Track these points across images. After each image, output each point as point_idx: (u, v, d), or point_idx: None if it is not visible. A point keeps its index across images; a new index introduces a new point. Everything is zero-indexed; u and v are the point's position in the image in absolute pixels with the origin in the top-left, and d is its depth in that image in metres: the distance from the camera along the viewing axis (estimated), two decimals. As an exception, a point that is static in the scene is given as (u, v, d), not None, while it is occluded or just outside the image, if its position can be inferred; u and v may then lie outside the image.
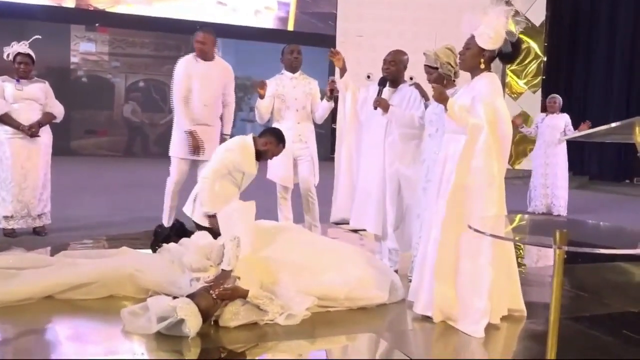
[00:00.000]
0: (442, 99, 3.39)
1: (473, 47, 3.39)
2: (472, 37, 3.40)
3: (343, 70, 4.57)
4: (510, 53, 3.39)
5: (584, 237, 2.43)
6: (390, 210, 4.40)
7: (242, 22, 13.71)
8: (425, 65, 4.12)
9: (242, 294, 3.27)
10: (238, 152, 4.53)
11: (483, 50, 3.37)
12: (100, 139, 12.81)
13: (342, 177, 4.66)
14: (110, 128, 12.79)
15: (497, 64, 3.60)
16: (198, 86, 5.15)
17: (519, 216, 3.09)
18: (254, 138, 4.63)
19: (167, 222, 5.20)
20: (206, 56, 5.20)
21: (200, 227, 4.44)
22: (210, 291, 3.18)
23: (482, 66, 3.40)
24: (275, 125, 5.13)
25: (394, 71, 4.42)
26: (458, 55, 3.61)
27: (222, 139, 5.31)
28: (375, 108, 4.31)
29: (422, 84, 4.45)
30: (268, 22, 13.93)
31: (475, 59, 3.39)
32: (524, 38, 13.69)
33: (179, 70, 5.18)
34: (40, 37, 5.48)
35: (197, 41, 5.20)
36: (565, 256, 2.12)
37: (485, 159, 3.27)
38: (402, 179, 4.33)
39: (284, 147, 4.67)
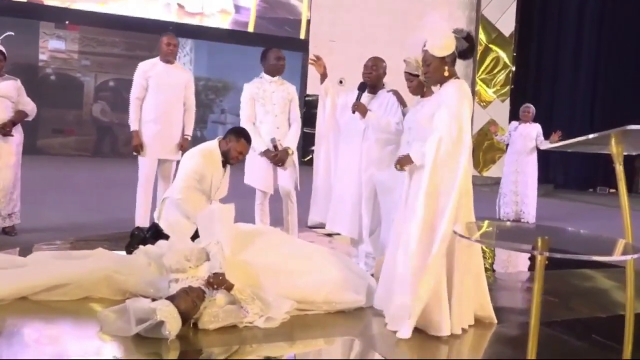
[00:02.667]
0: (406, 163, 3.50)
1: (432, 61, 3.45)
2: (426, 52, 3.46)
3: (324, 76, 4.59)
4: (467, 47, 3.46)
5: (561, 244, 2.49)
6: (365, 215, 4.44)
7: (212, 23, 13.64)
8: (405, 72, 4.16)
9: (229, 285, 3.28)
10: (200, 157, 4.49)
11: (442, 58, 3.42)
12: (68, 138, 12.59)
13: (320, 181, 4.68)
14: (79, 127, 12.58)
15: (466, 73, 3.69)
16: (156, 88, 5.38)
17: (486, 222, 3.14)
18: (219, 142, 4.60)
19: (140, 222, 5.30)
20: (173, 58, 5.47)
21: (161, 233, 4.41)
22: (208, 288, 3.20)
23: (447, 73, 3.44)
24: (253, 129, 5.10)
25: (374, 77, 4.47)
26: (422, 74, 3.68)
27: (184, 140, 5.59)
28: (354, 112, 4.35)
29: (395, 89, 4.52)
30: (226, 24, 13.87)
31: (439, 70, 3.45)
32: (494, 48, 13.97)
33: (138, 72, 5.44)
34: (12, 33, 5.40)
35: (167, 43, 5.43)
36: (547, 262, 2.18)
37: (450, 167, 3.33)
38: (377, 184, 4.37)
39: (247, 142, 4.57)
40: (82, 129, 12.54)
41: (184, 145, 5.54)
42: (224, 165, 4.61)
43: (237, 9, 13.79)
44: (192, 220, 4.35)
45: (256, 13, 13.81)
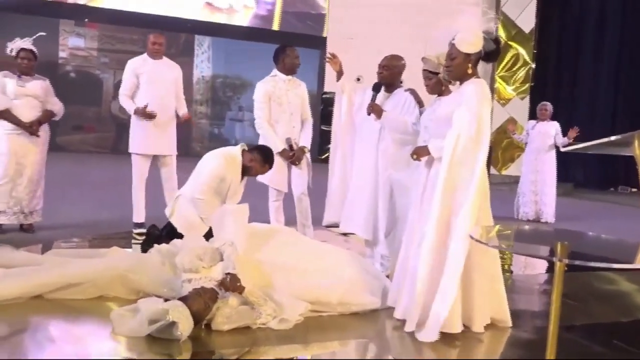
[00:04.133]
0: (423, 154, 3.50)
1: (458, 56, 3.41)
2: (453, 45, 3.42)
3: (340, 74, 4.55)
4: (494, 50, 3.44)
5: (581, 248, 2.42)
6: (382, 215, 4.38)
7: (230, 21, 13.65)
8: (424, 70, 4.09)
9: (240, 288, 3.26)
10: (223, 160, 4.48)
11: (468, 55, 3.39)
12: (88, 135, 12.69)
13: (336, 181, 4.63)
14: (98, 124, 12.68)
15: (485, 69, 3.65)
16: (147, 85, 5.44)
17: (503, 225, 3.07)
18: (243, 151, 4.59)
19: (137, 218, 5.50)
20: (158, 56, 5.54)
21: (176, 231, 4.40)
22: (221, 289, 3.18)
23: (470, 71, 3.41)
24: (269, 128, 5.10)
25: (386, 76, 4.41)
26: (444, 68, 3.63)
27: (178, 119, 5.67)
28: (369, 114, 4.30)
29: (412, 88, 4.46)
30: (245, 20, 13.86)
31: (462, 66, 3.41)
32: (513, 45, 13.80)
33: (128, 69, 5.51)
34: (44, 34, 5.50)
35: (154, 42, 5.53)
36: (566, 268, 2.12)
37: (467, 165, 3.29)
38: (394, 185, 4.31)
39: (269, 168, 4.63)
40: (101, 126, 12.63)
41: (185, 118, 5.72)
42: (242, 175, 4.60)
43: (260, 4, 13.79)
44: (207, 221, 4.35)
45: (281, 8, 13.80)
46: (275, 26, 13.87)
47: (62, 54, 12.53)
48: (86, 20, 12.63)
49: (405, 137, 4.26)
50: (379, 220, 4.41)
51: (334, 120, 4.68)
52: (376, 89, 4.37)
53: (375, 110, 4.28)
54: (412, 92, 4.38)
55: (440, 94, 4.00)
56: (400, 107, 4.34)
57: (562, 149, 7.61)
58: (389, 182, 4.35)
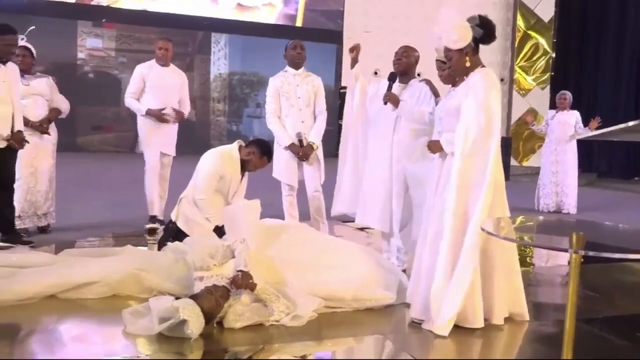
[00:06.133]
0: (436, 149, 3.51)
1: (452, 54, 3.43)
2: (445, 48, 3.44)
3: (354, 61, 4.48)
4: (484, 34, 3.39)
5: (599, 238, 2.33)
6: (396, 208, 4.31)
7: (248, 17, 13.64)
8: (437, 60, 4.05)
9: (251, 285, 3.23)
10: (219, 158, 4.48)
11: (461, 50, 3.39)
12: (107, 134, 12.76)
13: (346, 171, 4.56)
14: (117, 124, 12.73)
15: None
16: (152, 90, 5.60)
17: (521, 217, 3.00)
18: (240, 146, 4.56)
19: (156, 212, 5.62)
20: (166, 62, 5.69)
21: (182, 234, 4.38)
22: (232, 287, 3.17)
23: (468, 64, 3.40)
24: (278, 123, 5.09)
25: (404, 64, 4.33)
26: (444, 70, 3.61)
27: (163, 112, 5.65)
28: (386, 103, 4.23)
29: (427, 78, 4.39)
30: (272, 18, 13.86)
31: (461, 62, 3.41)
32: (532, 34, 13.58)
33: (136, 73, 5.68)
34: (34, 27, 5.47)
35: (160, 47, 5.67)
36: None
37: (480, 157, 3.26)
38: (409, 177, 4.25)
39: (269, 160, 4.64)
40: (120, 126, 12.66)
41: (180, 114, 5.75)
42: (242, 171, 4.57)
43: (287, 2, 13.79)
44: (212, 221, 4.35)
45: (305, 5, 13.79)
46: (299, 22, 13.83)
47: (80, 55, 12.60)
48: (104, 20, 12.69)
49: (422, 128, 4.18)
50: (394, 213, 4.33)
51: (345, 110, 4.61)
52: (392, 78, 4.30)
53: (392, 99, 4.21)
54: (428, 82, 4.30)
55: (454, 84, 3.92)
56: (416, 97, 4.27)
57: (577, 137, 7.47)
58: (403, 174, 4.28)
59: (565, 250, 1.99)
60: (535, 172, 10.61)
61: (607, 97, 13.45)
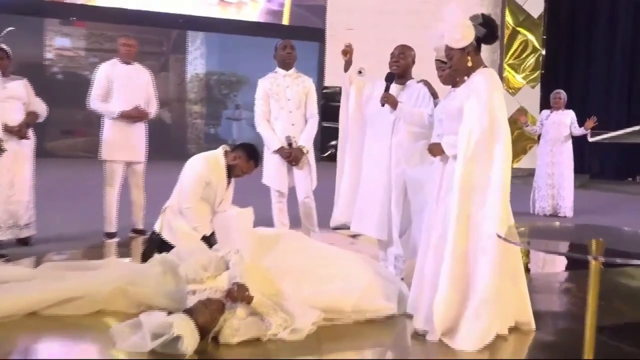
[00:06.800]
0: (438, 152, 3.55)
1: (454, 54, 3.45)
2: (446, 46, 3.46)
3: (348, 64, 4.48)
4: (487, 33, 3.43)
5: (608, 244, 2.36)
6: (395, 214, 4.32)
7: (226, 15, 13.59)
8: (436, 60, 4.06)
9: (247, 298, 3.22)
10: (205, 163, 4.46)
11: (463, 50, 3.41)
12: (77, 139, 12.61)
13: (346, 178, 4.55)
14: (88, 128, 12.57)
15: (492, 58, 3.66)
16: (118, 91, 5.53)
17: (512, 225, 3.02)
18: (225, 152, 4.55)
19: (111, 228, 5.55)
20: (130, 59, 5.64)
21: (167, 245, 4.35)
22: (227, 300, 3.15)
23: (470, 64, 3.43)
24: (267, 126, 5.08)
25: (402, 65, 4.35)
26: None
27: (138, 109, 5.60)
28: (383, 105, 4.22)
29: (425, 79, 4.40)
30: (255, 15, 13.83)
31: (462, 62, 3.44)
32: (521, 30, 13.73)
33: (99, 72, 5.59)
34: (13, 28, 5.44)
35: (124, 44, 5.62)
36: (602, 266, 2.06)
37: (483, 160, 3.28)
38: (408, 181, 4.26)
39: (256, 165, 4.61)
40: (92, 130, 12.52)
41: (144, 114, 5.66)
42: (228, 177, 4.55)
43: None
44: (200, 231, 4.32)
45: (291, 1, 13.80)
46: (285, 19, 13.82)
47: (47, 55, 12.45)
48: (73, 18, 12.55)
49: (421, 131, 4.20)
50: (392, 218, 4.34)
51: (341, 115, 4.60)
52: (389, 79, 4.29)
53: (390, 101, 4.21)
54: (426, 83, 4.33)
55: (455, 84, 3.94)
56: (415, 99, 4.29)
57: (591, 140, 7.50)
58: (402, 178, 4.29)
59: (586, 258, 2.01)
60: (527, 173, 10.70)
61: (599, 95, 13.59)
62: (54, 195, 7.46)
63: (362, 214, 4.44)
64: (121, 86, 5.53)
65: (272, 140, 5.07)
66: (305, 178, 5.12)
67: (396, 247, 4.41)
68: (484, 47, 3.50)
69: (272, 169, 5.09)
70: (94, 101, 5.58)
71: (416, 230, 4.15)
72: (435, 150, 3.56)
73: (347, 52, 4.46)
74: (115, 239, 5.50)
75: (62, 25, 12.53)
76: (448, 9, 3.41)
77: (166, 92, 13.15)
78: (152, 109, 5.76)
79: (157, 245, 4.40)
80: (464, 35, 3.37)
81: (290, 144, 5.04)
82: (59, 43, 12.56)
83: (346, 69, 4.49)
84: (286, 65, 5.16)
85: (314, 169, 5.18)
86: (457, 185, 3.29)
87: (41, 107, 5.33)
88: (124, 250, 5.20)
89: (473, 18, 3.41)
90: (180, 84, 13.42)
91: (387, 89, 4.26)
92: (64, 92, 12.22)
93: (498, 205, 3.24)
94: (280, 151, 5.05)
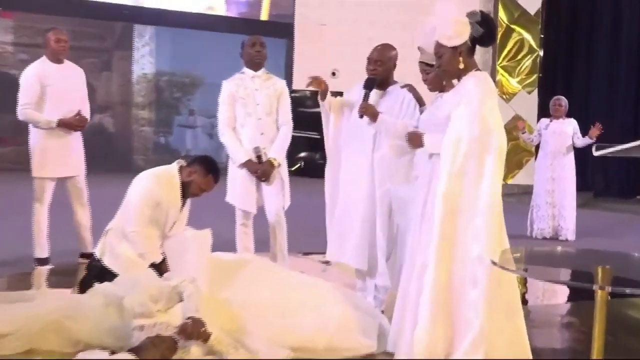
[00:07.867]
0: (416, 142, 3.61)
1: (444, 52, 3.46)
2: (437, 43, 3.47)
3: (324, 93, 4.49)
4: (484, 33, 3.45)
5: (619, 271, 2.41)
6: (382, 239, 4.33)
7: (179, 6, 13.57)
8: (420, 62, 4.10)
9: (204, 335, 3.21)
10: (155, 181, 4.39)
11: (455, 48, 3.43)
12: (4, 148, 12.48)
13: (340, 208, 4.54)
14: (17, 136, 12.44)
15: (484, 59, 3.71)
16: (51, 95, 5.43)
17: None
18: (180, 167, 4.48)
19: (42, 253, 5.50)
20: (62, 56, 5.56)
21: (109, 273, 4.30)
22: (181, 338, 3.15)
23: (462, 65, 3.45)
24: (232, 135, 5.06)
25: (381, 72, 4.37)
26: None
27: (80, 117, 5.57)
28: (361, 116, 4.24)
29: (409, 83, 4.45)
30: (222, 8, 13.86)
31: (452, 62, 3.45)
32: (517, 29, 13.94)
33: (29, 76, 5.46)
34: None
35: (58, 40, 5.49)
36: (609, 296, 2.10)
37: (472, 174, 3.29)
38: (394, 201, 4.28)
39: (215, 180, 4.47)
40: (22, 138, 12.40)
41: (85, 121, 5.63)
42: (183, 197, 4.48)
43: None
44: (147, 258, 4.24)
45: None
46: (264, 13, 13.85)
47: (-32, 51, 12.35)
48: (-1, 8, 12.47)
49: (406, 144, 4.23)
50: (377, 244, 4.34)
51: (325, 133, 4.60)
52: (368, 86, 4.31)
53: (368, 112, 4.22)
54: (411, 88, 4.36)
55: (442, 89, 3.99)
56: (399, 107, 4.32)
57: (596, 154, 7.58)
58: (388, 199, 4.31)
59: (591, 287, 2.05)
60: (523, 191, 10.83)
61: (602, 100, 13.75)
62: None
63: (339, 241, 4.46)
64: (56, 90, 5.45)
65: (237, 152, 5.01)
66: (277, 195, 5.10)
67: (382, 278, 4.38)
68: (477, 48, 3.51)
69: (238, 186, 5.05)
70: (25, 111, 5.44)
71: (401, 254, 4.17)
72: (415, 139, 3.59)
73: (320, 82, 4.46)
74: (48, 266, 5.43)
75: (-14, 16, 12.43)
76: (441, 2, 3.44)
77: (109, 95, 13.11)
78: (88, 115, 5.70)
79: (97, 273, 4.34)
80: (458, 32, 3.39)
81: (259, 157, 4.99)
82: (-18, 37, 12.47)
83: (323, 97, 4.52)
84: (255, 65, 5.15)
85: (287, 185, 5.16)
86: (439, 205, 3.30)
87: None
88: (64, 279, 5.12)
89: (470, 15, 3.43)
90: (124, 86, 13.38)
91: (365, 97, 4.27)
92: (-12, 93, 12.11)
93: (489, 228, 3.26)
94: (247, 165, 5.00)
